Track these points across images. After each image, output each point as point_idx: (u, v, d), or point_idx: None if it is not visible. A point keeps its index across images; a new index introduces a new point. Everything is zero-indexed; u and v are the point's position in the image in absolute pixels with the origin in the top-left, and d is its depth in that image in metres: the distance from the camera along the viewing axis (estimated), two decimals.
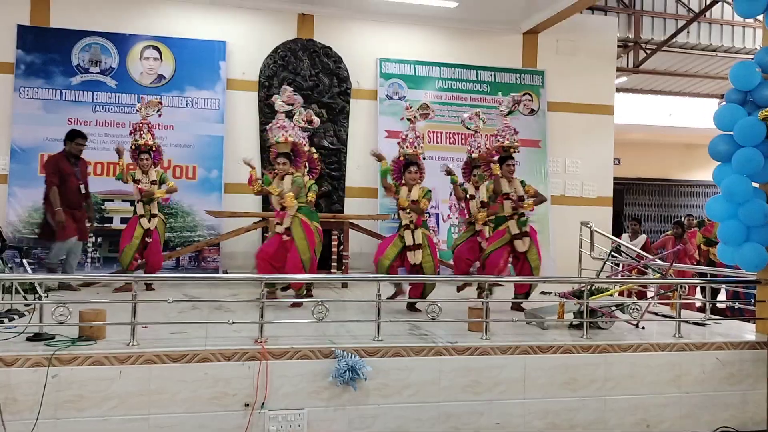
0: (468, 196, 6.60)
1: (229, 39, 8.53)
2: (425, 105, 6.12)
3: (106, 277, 5.87)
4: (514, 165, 5.88)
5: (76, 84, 8.06)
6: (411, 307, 5.60)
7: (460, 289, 6.76)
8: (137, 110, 6.82)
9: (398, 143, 5.94)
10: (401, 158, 5.83)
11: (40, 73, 7.96)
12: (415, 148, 5.78)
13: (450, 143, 9.00)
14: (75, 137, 6.58)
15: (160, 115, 6.90)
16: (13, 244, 7.55)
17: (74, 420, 3.65)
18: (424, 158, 5.92)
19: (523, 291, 5.82)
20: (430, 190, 5.80)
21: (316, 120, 6.36)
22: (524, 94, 6.38)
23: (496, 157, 5.93)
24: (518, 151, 6.07)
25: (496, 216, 5.98)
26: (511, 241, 5.75)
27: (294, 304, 5.52)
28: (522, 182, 5.90)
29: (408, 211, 5.67)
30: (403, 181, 5.79)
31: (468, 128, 6.81)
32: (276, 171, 5.84)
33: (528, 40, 9.59)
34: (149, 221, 6.62)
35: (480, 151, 6.53)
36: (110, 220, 7.99)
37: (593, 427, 4.42)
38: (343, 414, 4.00)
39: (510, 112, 6.01)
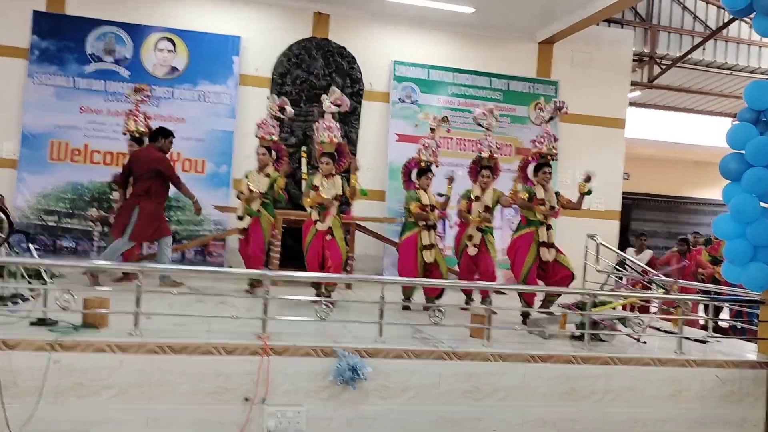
0: (474, 197, 6.30)
1: (243, 34, 8.56)
2: (446, 118, 6.51)
3: (110, 266, 5.88)
4: (550, 173, 5.80)
5: (89, 72, 8.10)
6: (429, 301, 6.00)
7: (468, 302, 6.42)
8: (126, 97, 6.92)
9: (418, 150, 6.26)
10: (420, 162, 6.19)
11: (54, 60, 8.00)
12: (436, 156, 6.24)
13: (460, 149, 8.98)
14: (169, 135, 6.54)
15: (142, 101, 6.90)
16: (21, 229, 7.60)
17: (74, 406, 3.67)
18: (436, 166, 6.33)
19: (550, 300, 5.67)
20: (433, 195, 6.28)
21: (290, 110, 6.47)
22: (562, 102, 6.05)
23: (533, 164, 5.90)
24: (556, 159, 5.98)
25: (525, 220, 5.87)
26: (537, 249, 5.66)
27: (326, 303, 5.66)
28: (557, 193, 5.87)
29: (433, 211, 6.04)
30: (417, 185, 6.18)
31: (479, 125, 6.57)
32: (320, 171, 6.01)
33: (543, 50, 9.58)
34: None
35: (491, 151, 6.31)
36: None
37: None
38: (342, 413, 4.01)
39: (551, 118, 5.96)
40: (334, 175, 5.95)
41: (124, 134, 6.95)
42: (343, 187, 5.95)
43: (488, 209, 6.24)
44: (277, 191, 6.37)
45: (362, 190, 5.99)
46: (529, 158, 5.99)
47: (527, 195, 5.77)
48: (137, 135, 6.80)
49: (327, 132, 5.92)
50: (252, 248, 6.25)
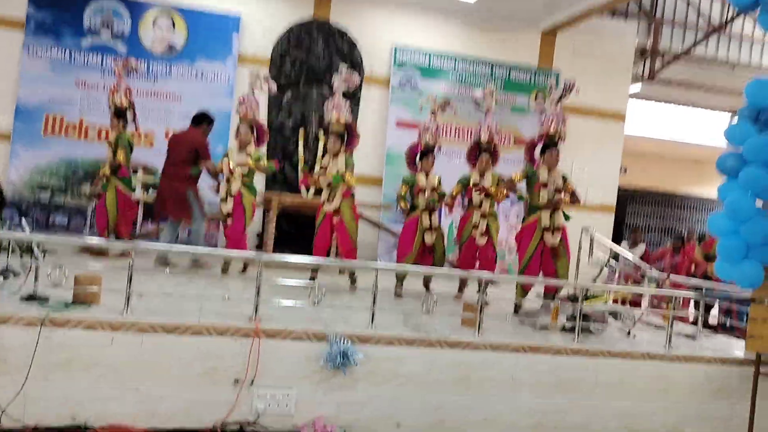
0: (472, 184, 6.17)
1: (243, 13, 8.45)
2: (448, 101, 6.48)
3: (102, 243, 5.85)
4: (557, 154, 5.72)
5: (86, 46, 7.99)
6: (426, 285, 6.21)
7: (460, 289, 6.37)
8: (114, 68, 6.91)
9: (420, 132, 6.29)
10: (422, 147, 6.23)
11: (50, 33, 7.88)
12: (437, 138, 6.23)
13: (459, 138, 8.94)
14: (212, 121, 6.76)
15: (118, 73, 6.76)
16: (13, 203, 7.56)
17: (63, 383, 3.66)
18: (439, 149, 6.35)
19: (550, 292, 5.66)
20: (440, 177, 6.28)
21: (272, 86, 6.40)
22: (573, 83, 5.93)
23: (539, 145, 5.83)
24: (563, 140, 5.84)
25: (530, 206, 5.82)
26: (542, 234, 5.63)
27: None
28: (564, 177, 5.78)
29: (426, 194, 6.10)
30: (419, 168, 6.22)
31: (478, 105, 6.44)
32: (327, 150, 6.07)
33: (545, 40, 9.51)
34: (102, 186, 6.68)
35: (490, 133, 6.15)
36: None
37: (577, 430, 4.45)
38: (332, 398, 4.02)
39: (561, 99, 5.88)
40: (341, 154, 5.96)
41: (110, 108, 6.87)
42: (346, 165, 5.94)
43: (488, 194, 6.08)
44: (264, 166, 6.21)
45: (335, 177, 5.92)
46: (536, 139, 5.94)
47: (521, 175, 5.74)
48: (113, 108, 6.71)
49: (335, 111, 5.95)
50: (231, 229, 6.11)
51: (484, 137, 6.18)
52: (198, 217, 6.47)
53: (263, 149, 6.53)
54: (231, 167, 6.11)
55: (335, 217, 5.87)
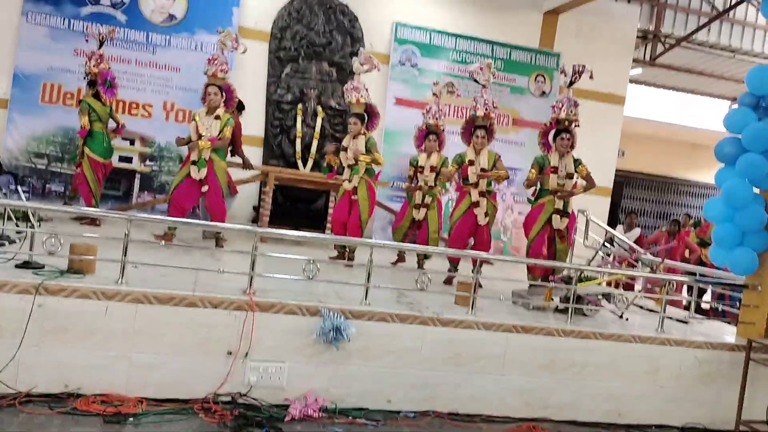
0: (467, 161, 5.87)
1: None
2: (451, 83, 6.54)
3: (97, 213, 5.84)
4: (569, 139, 5.66)
5: (85, 15, 7.88)
6: (420, 265, 6.14)
7: (448, 282, 5.86)
8: (110, 41, 6.93)
9: (423, 113, 6.48)
10: (424, 128, 6.39)
11: (50, 0, 7.76)
12: (437, 120, 6.35)
13: (458, 117, 8.87)
14: (243, 108, 7.02)
15: (96, 42, 6.76)
16: (9, 170, 7.52)
17: (57, 350, 3.67)
18: (443, 130, 6.44)
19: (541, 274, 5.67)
20: (447, 158, 6.29)
21: (241, 46, 6.19)
22: (583, 66, 5.88)
23: (552, 131, 5.81)
24: (578, 125, 5.76)
25: (540, 189, 5.79)
26: (550, 216, 5.64)
27: (346, 265, 5.87)
28: (577, 161, 5.73)
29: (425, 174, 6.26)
30: (423, 148, 6.37)
31: (476, 81, 6.13)
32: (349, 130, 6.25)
33: (548, 20, 9.42)
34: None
35: (486, 109, 5.88)
36: None
37: (566, 411, 4.51)
38: (324, 371, 4.05)
39: (572, 83, 5.83)
40: (362, 135, 6.10)
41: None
42: (366, 146, 6.07)
43: (485, 171, 5.80)
44: (225, 137, 5.87)
45: (355, 168, 6.02)
46: (549, 125, 5.89)
47: (535, 173, 5.71)
48: (85, 75, 6.68)
49: (354, 93, 6.08)
50: (210, 200, 5.89)
51: (479, 113, 5.91)
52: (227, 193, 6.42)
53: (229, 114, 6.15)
54: (199, 130, 5.81)
55: (354, 196, 6.06)
